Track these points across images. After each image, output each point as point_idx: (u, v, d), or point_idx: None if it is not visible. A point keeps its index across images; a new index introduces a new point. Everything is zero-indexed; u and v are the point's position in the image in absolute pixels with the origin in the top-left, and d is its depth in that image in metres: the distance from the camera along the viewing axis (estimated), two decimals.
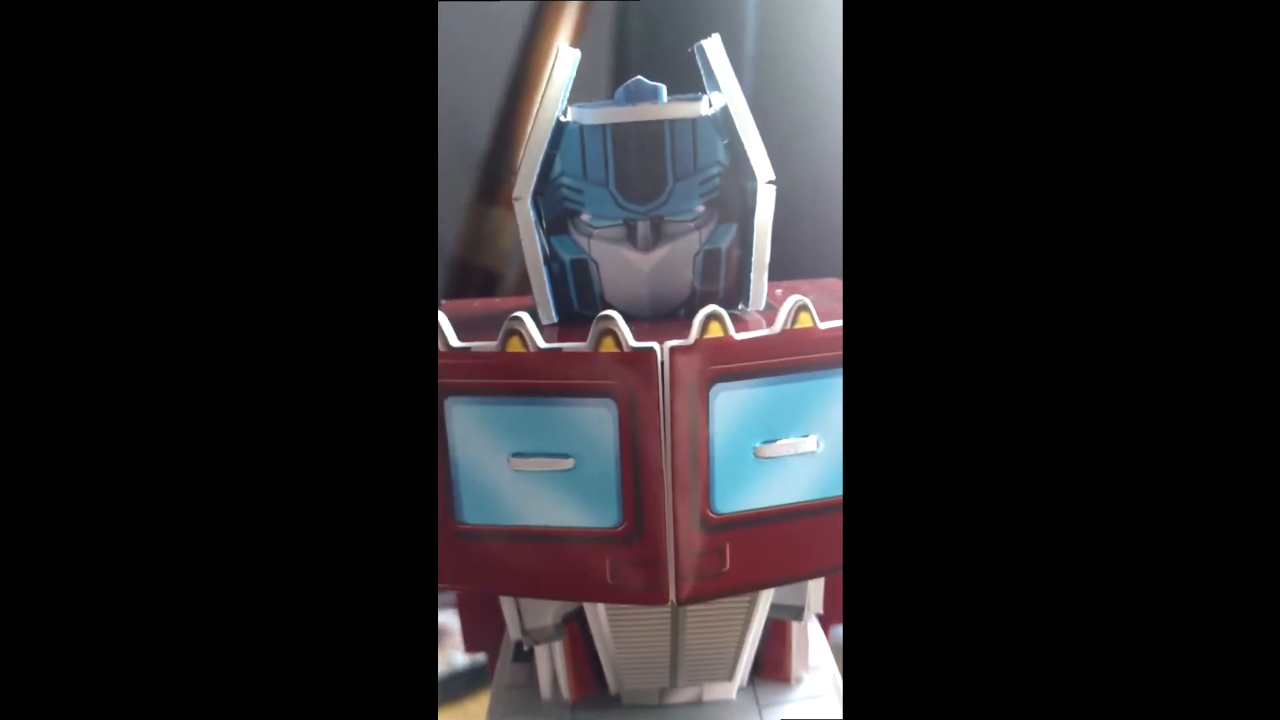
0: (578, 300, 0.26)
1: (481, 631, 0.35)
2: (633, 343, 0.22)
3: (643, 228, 0.25)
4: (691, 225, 0.25)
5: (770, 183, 0.24)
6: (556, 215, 0.25)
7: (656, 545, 0.23)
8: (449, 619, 0.76)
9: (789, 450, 0.23)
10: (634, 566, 0.23)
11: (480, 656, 0.58)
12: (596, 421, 0.22)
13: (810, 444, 0.23)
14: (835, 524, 0.24)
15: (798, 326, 0.23)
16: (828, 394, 0.23)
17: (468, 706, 0.63)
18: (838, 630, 0.38)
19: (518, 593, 0.26)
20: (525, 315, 0.23)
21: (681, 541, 0.23)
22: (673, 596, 0.23)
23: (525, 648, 0.29)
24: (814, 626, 0.33)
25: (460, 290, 0.94)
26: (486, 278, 0.93)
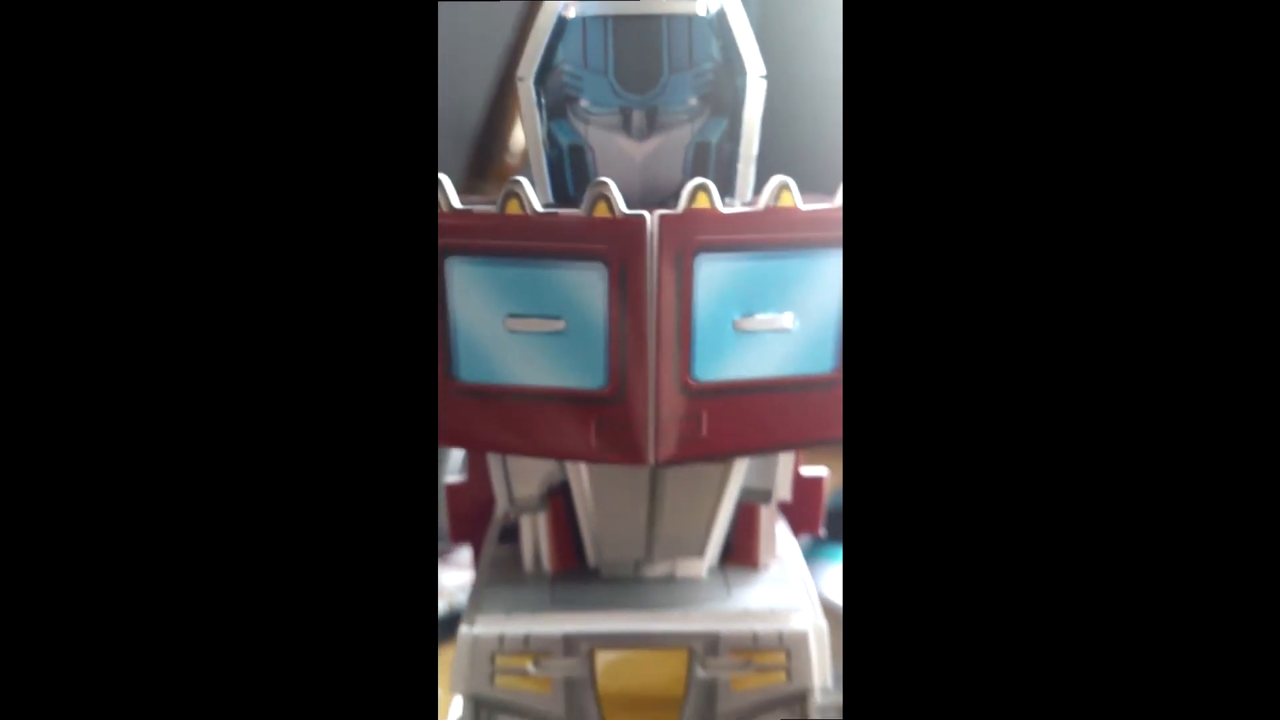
0: (573, 185, 0.27)
1: (467, 523, 0.36)
2: (624, 209, 0.24)
3: (638, 117, 0.27)
4: (684, 117, 0.27)
5: (761, 77, 0.26)
6: (556, 101, 0.27)
7: (638, 408, 0.25)
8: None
9: (766, 325, 0.25)
10: (617, 427, 0.25)
11: (453, 604, 0.60)
12: (587, 285, 0.24)
13: (786, 321, 0.25)
14: (806, 401, 0.26)
15: (780, 205, 0.24)
16: (805, 274, 0.25)
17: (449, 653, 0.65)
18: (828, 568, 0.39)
19: (508, 450, 0.27)
20: (524, 180, 0.24)
21: (662, 405, 0.25)
22: (652, 458, 0.25)
23: (511, 517, 0.30)
24: (782, 526, 0.34)
25: None
26: None
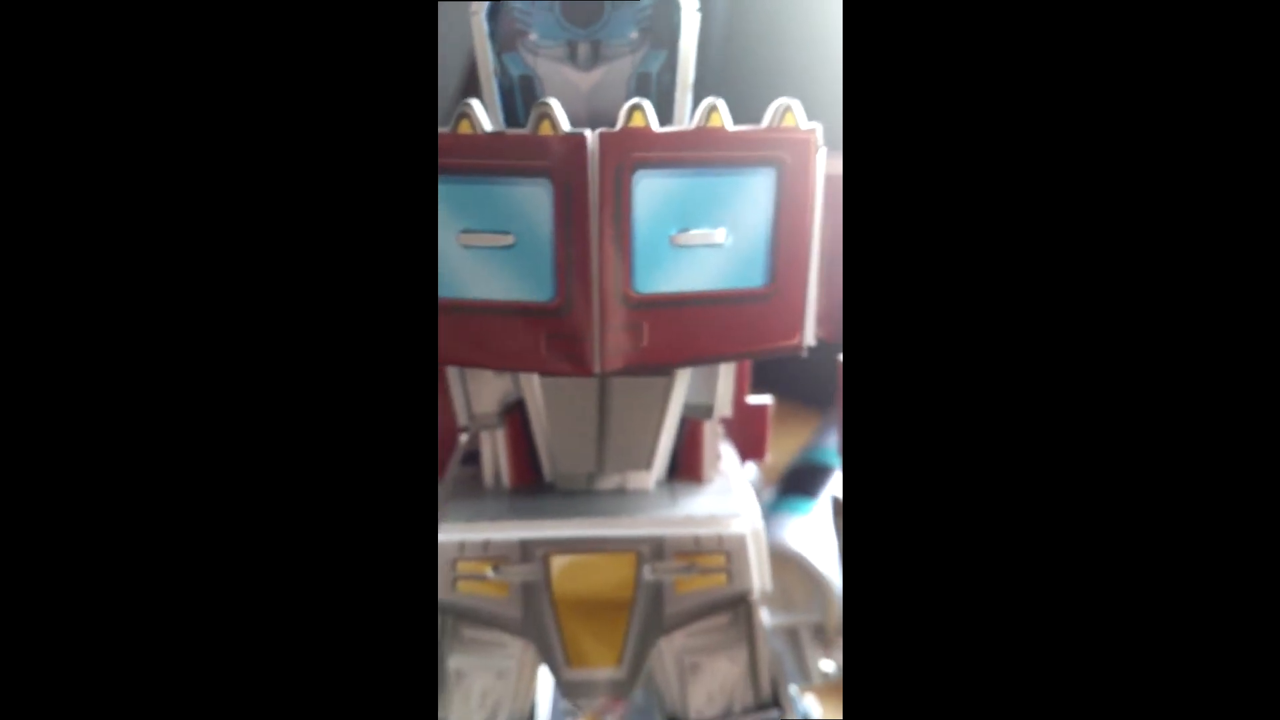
0: (523, 113, 0.29)
1: None
2: (567, 127, 0.25)
3: (583, 49, 0.28)
4: (626, 49, 0.29)
5: (696, 10, 0.28)
6: (507, 35, 0.29)
7: (584, 319, 0.27)
8: None
9: (701, 240, 0.27)
10: (564, 339, 0.27)
11: None
12: (533, 200, 0.26)
13: (719, 236, 0.27)
14: (741, 313, 0.28)
15: (710, 125, 0.26)
16: (737, 191, 0.27)
17: None
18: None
19: (465, 363, 0.29)
20: (474, 101, 0.26)
21: (606, 317, 0.27)
22: (597, 368, 0.27)
23: (470, 433, 0.32)
24: (729, 450, 0.37)
25: None
26: None
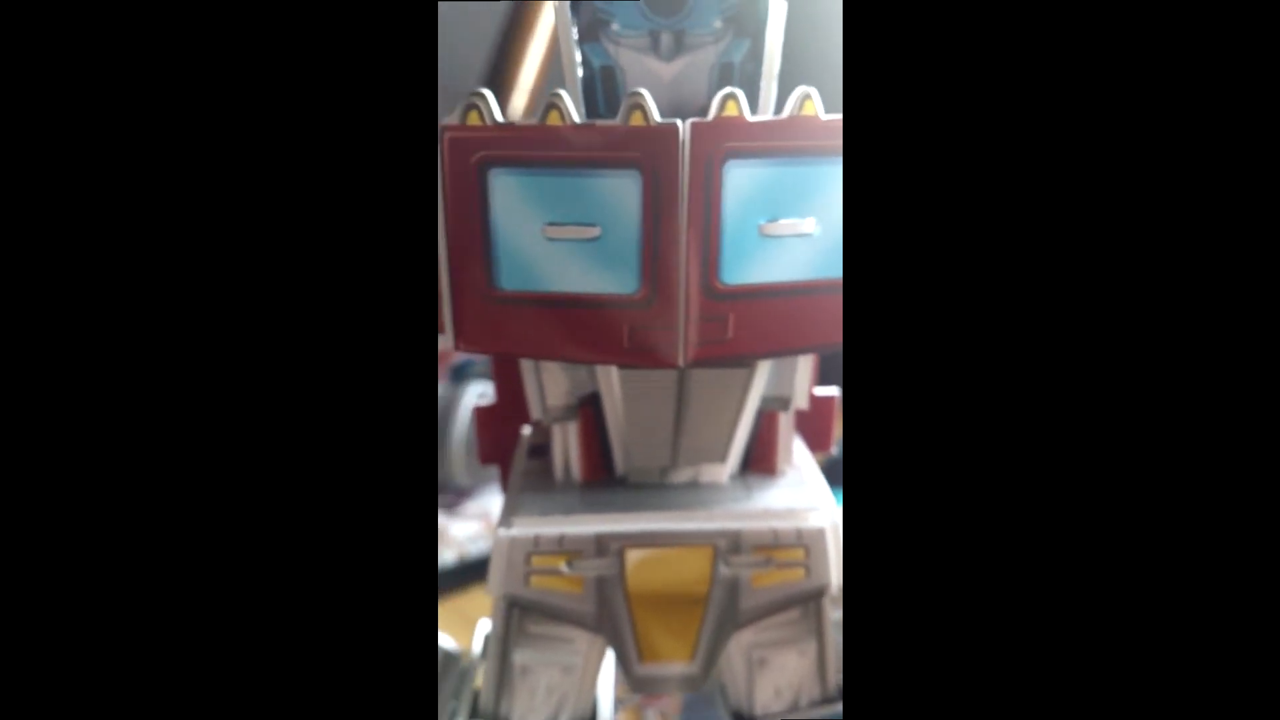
0: (604, 104, 0.29)
1: (495, 444, 0.38)
2: (658, 118, 0.25)
3: (666, 39, 0.28)
4: (709, 39, 0.28)
5: (782, 1, 0.28)
6: (589, 25, 0.28)
7: (670, 311, 0.26)
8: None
9: (790, 230, 0.26)
10: (649, 330, 0.27)
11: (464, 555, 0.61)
12: (622, 192, 0.26)
13: (809, 225, 0.27)
14: (827, 305, 0.27)
15: (803, 114, 0.26)
16: (825, 180, 0.26)
17: (457, 602, 0.67)
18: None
19: (544, 355, 0.29)
20: (564, 92, 0.26)
21: (691, 309, 0.26)
22: (681, 360, 0.27)
23: (544, 427, 0.32)
24: (798, 441, 0.36)
25: None
26: None
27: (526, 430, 0.37)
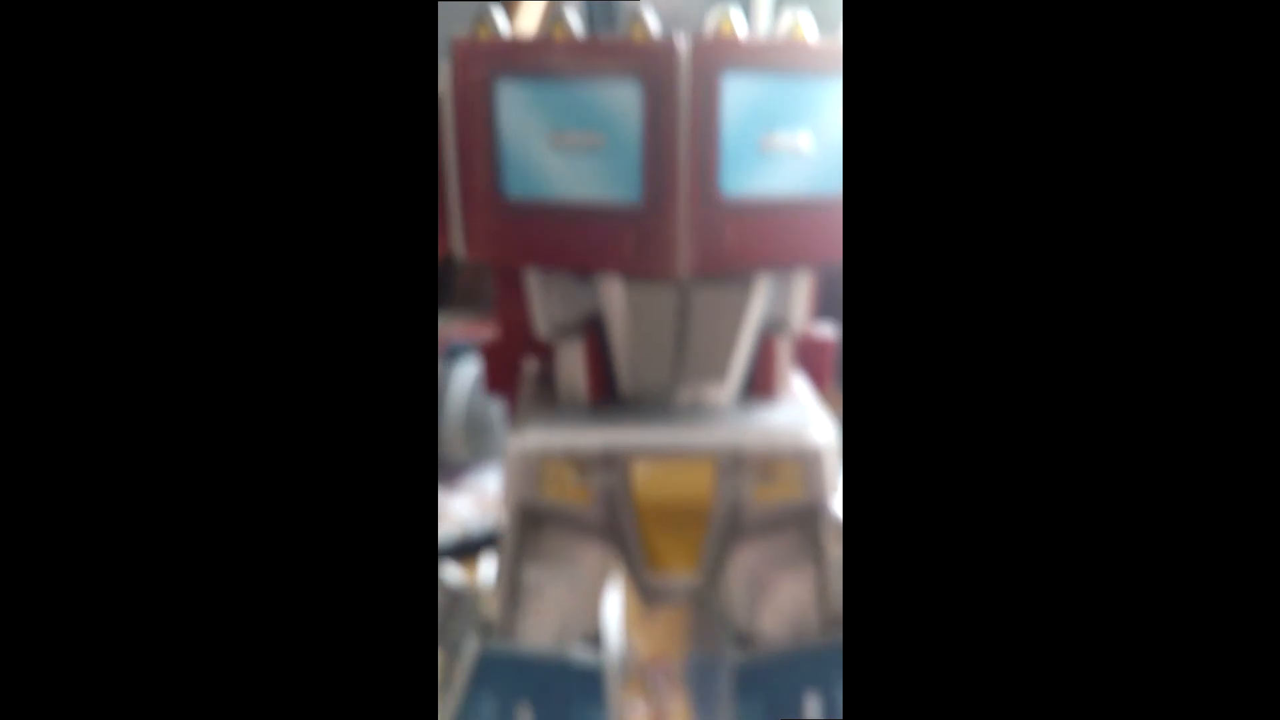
0: (600, 21, 0.30)
1: (501, 376, 0.39)
2: (658, 31, 0.26)
3: None
4: None
5: None
6: None
7: (669, 221, 0.28)
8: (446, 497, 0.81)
9: (786, 144, 0.28)
10: (649, 240, 0.28)
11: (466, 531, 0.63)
12: (624, 101, 0.27)
13: (805, 141, 0.28)
14: (824, 220, 0.29)
15: (794, 37, 0.27)
16: (819, 96, 0.28)
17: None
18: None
19: (549, 262, 0.30)
20: (569, 6, 0.27)
21: (692, 218, 0.28)
22: (681, 270, 0.28)
23: (551, 344, 0.33)
24: (797, 374, 0.37)
25: None
26: None
27: (528, 368, 0.38)
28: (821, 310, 0.37)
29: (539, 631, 0.34)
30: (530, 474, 0.32)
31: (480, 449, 0.77)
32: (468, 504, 0.78)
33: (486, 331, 0.41)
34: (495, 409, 0.77)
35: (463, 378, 0.78)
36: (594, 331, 0.33)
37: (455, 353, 0.80)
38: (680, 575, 0.33)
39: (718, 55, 0.26)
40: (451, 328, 0.87)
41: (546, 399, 0.34)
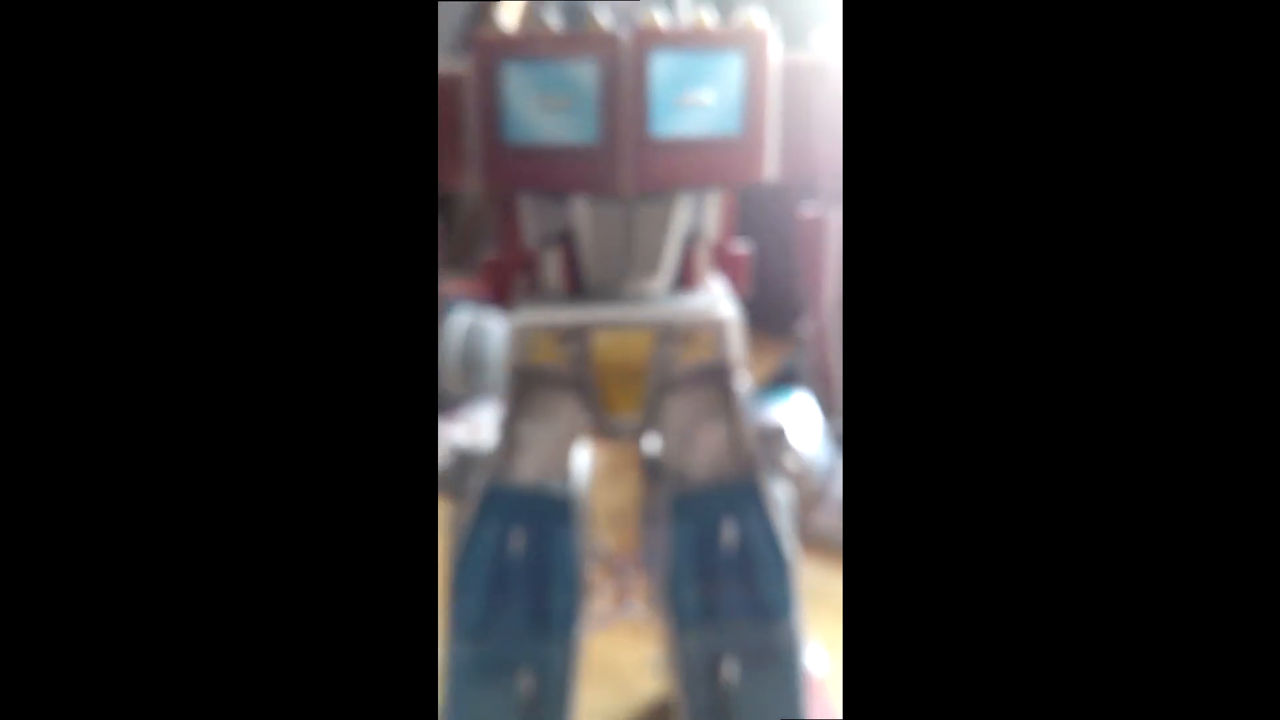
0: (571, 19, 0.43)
1: (500, 286, 0.52)
2: (607, 28, 0.40)
3: None
4: None
5: None
6: None
7: (617, 155, 0.41)
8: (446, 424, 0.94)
9: (695, 99, 0.41)
10: (603, 169, 0.41)
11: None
12: (586, 74, 0.40)
13: (708, 96, 0.41)
14: (725, 154, 0.42)
15: (699, 25, 0.40)
16: (718, 65, 0.41)
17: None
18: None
19: (538, 185, 0.43)
20: (552, 7, 0.40)
21: (631, 154, 0.41)
22: (627, 190, 0.41)
23: (537, 249, 0.46)
24: (715, 277, 0.51)
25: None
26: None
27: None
28: (739, 232, 0.51)
29: (528, 472, 0.47)
30: (522, 343, 0.45)
31: (475, 385, 0.91)
32: (463, 430, 0.91)
33: (474, 288, 0.53)
34: (488, 350, 0.90)
35: (458, 324, 0.91)
36: (567, 241, 0.46)
37: (450, 305, 0.94)
38: (628, 417, 0.46)
39: (646, 40, 0.40)
40: (448, 285, 1.01)
41: (532, 294, 0.47)
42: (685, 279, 0.48)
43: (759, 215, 0.52)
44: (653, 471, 0.50)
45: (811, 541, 0.56)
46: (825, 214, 0.48)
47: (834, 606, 0.48)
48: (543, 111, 0.41)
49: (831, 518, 0.71)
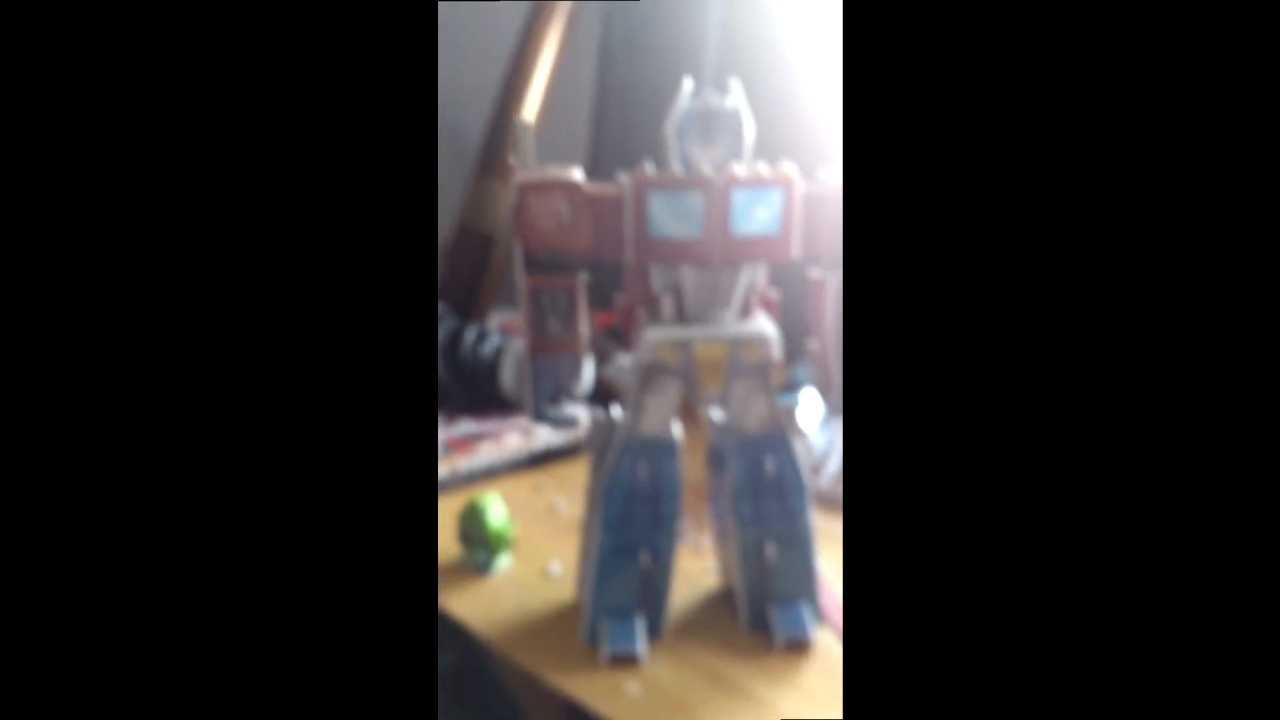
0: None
1: (628, 323, 0.84)
2: (708, 174, 0.72)
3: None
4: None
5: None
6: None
7: (710, 244, 0.73)
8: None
9: (756, 215, 0.74)
10: (703, 250, 0.73)
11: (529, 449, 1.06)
12: (696, 200, 0.72)
13: (763, 213, 0.74)
14: (771, 242, 0.74)
15: (758, 171, 0.73)
16: (770, 195, 0.73)
17: (534, 478, 1.12)
18: None
19: (667, 260, 0.75)
20: (674, 156, 0.73)
21: (719, 244, 0.73)
22: (714, 262, 0.74)
23: (659, 294, 0.79)
24: (762, 313, 0.83)
25: (462, 252, 1.23)
26: (484, 240, 1.20)
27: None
28: (774, 284, 0.83)
29: (649, 427, 0.79)
30: (649, 349, 0.77)
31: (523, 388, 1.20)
32: (517, 433, 1.22)
33: (606, 318, 0.83)
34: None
35: (517, 347, 1.22)
36: (677, 290, 0.78)
37: (508, 335, 1.25)
38: (712, 393, 0.78)
39: (729, 182, 0.72)
40: (506, 320, 1.31)
41: (654, 321, 0.80)
42: (744, 312, 0.80)
43: (786, 277, 0.85)
44: (720, 432, 0.82)
45: (816, 497, 0.88)
46: (825, 277, 0.81)
47: (832, 538, 0.82)
48: (670, 219, 0.73)
49: (827, 481, 1.07)
